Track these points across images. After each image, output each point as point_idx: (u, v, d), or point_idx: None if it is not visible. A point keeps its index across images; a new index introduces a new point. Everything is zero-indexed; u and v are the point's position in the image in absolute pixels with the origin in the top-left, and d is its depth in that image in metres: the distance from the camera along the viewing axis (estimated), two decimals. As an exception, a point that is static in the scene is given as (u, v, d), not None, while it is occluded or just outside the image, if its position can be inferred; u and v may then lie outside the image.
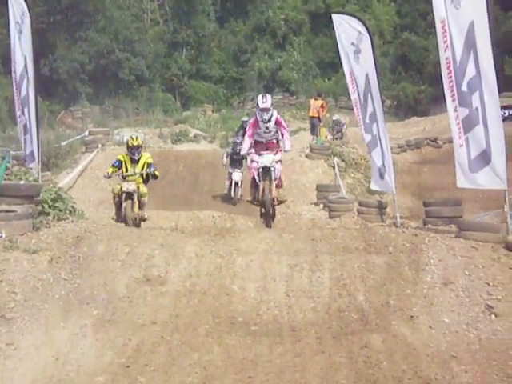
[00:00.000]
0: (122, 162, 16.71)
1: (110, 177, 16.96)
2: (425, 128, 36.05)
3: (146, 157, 16.80)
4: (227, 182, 23.67)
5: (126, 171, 16.62)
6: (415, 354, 10.32)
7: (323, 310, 12.09)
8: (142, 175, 16.70)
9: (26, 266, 12.86)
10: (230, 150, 24.45)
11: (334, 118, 32.89)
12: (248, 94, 51.86)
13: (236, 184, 23.43)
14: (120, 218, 16.66)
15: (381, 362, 10.04)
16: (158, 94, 51.38)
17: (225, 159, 24.25)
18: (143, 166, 16.71)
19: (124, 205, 16.35)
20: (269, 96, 16.15)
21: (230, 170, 23.61)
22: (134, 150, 16.53)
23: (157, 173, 16.71)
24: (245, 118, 26.94)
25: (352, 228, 16.21)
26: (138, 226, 16.27)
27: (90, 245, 13.93)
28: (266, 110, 15.81)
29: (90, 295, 12.29)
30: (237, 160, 23.56)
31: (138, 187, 16.53)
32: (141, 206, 16.71)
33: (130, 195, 16.37)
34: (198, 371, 9.83)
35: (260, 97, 16.09)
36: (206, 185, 24.73)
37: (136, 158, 16.56)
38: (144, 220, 16.78)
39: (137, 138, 16.74)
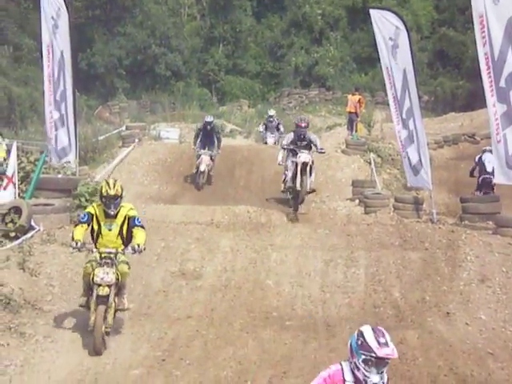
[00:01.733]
0: (92, 215, 11.04)
1: (79, 249, 10.88)
2: (462, 124, 35.64)
3: (126, 209, 11.11)
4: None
5: (99, 231, 11.03)
6: (451, 350, 10.27)
7: (358, 306, 12.08)
8: (122, 237, 11.08)
9: (64, 259, 13.01)
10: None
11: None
12: (284, 90, 51.68)
13: None
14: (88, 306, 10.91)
15: (416, 359, 10.00)
16: (195, 89, 51.43)
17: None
18: (123, 222, 11.05)
19: (93, 309, 10.53)
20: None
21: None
22: (109, 202, 10.92)
23: (143, 234, 10.95)
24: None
25: (388, 224, 16.15)
26: (107, 334, 10.63)
27: (127, 239, 14.01)
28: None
29: (127, 289, 12.38)
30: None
31: (117, 273, 10.91)
32: (119, 294, 11.12)
33: (103, 299, 10.65)
34: (232, 365, 9.86)
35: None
36: (241, 180, 24.66)
37: (112, 214, 10.96)
38: (124, 310, 11.20)
39: (115, 185, 11.00)
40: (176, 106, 44.93)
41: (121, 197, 10.97)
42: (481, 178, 19.74)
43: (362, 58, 52.83)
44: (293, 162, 18.14)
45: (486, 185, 19.37)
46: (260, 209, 18.75)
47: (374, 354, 5.93)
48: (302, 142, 18.06)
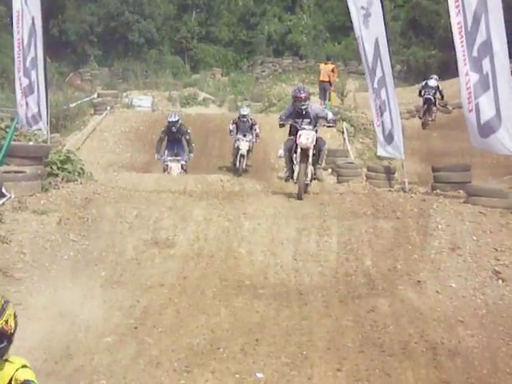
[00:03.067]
0: None
1: None
2: (435, 93, 35.79)
3: (13, 367, 5.57)
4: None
5: None
6: (422, 318, 10.36)
7: (330, 274, 12.14)
8: None
9: (35, 227, 12.93)
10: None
11: None
12: (257, 58, 51.55)
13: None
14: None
15: (387, 326, 10.08)
16: (168, 57, 51.16)
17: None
18: None
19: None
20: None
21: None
22: None
23: None
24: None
25: (360, 193, 16.21)
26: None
27: (99, 207, 13.98)
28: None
29: (98, 257, 12.37)
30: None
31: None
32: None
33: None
34: (205, 333, 9.88)
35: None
36: (214, 149, 24.71)
37: None
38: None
39: None
40: (149, 74, 44.73)
41: None
42: (424, 97, 29.10)
43: (335, 26, 52.76)
44: (291, 141, 15.67)
45: (427, 101, 29.14)
46: (233, 178, 18.77)
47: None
48: (303, 119, 15.48)
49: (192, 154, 20.59)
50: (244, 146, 22.82)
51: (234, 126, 23.63)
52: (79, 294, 10.97)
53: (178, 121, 20.43)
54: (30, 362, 8.67)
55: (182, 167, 20.35)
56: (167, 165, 20.33)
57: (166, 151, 20.60)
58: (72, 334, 9.70)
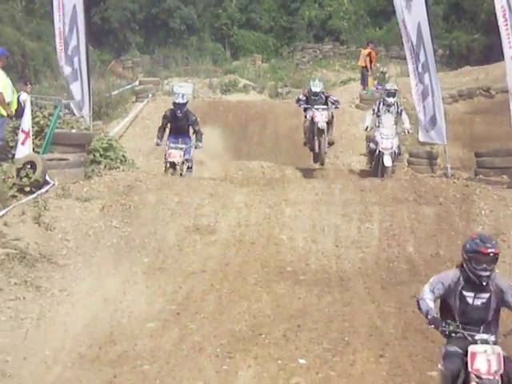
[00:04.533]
0: None
1: None
2: (477, 77, 35.32)
3: None
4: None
5: None
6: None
7: (372, 260, 12.11)
8: None
9: (78, 214, 13.07)
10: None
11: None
12: (298, 44, 51.31)
13: None
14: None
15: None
16: (208, 44, 51.14)
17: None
18: None
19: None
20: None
21: None
22: None
23: None
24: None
25: (402, 179, 16.13)
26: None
27: (141, 194, 14.07)
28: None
29: (140, 243, 12.48)
30: None
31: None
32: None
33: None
34: (247, 319, 9.93)
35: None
36: (255, 135, 24.67)
37: None
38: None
39: None
40: (189, 61, 44.69)
41: None
42: None
43: (376, 11, 52.25)
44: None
45: None
46: (274, 164, 18.75)
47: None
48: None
49: (201, 144, 16.73)
50: (321, 118, 17.76)
51: (305, 98, 18.39)
52: (122, 280, 11.10)
53: (185, 104, 16.65)
54: (75, 347, 8.87)
55: (185, 162, 16.58)
56: (169, 152, 16.58)
57: (168, 142, 16.78)
58: (115, 320, 9.81)
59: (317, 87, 18.17)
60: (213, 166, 18.50)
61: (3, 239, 11.63)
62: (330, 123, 18.04)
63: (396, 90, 18.09)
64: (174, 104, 16.71)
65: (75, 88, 18.66)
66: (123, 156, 16.12)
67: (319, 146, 17.75)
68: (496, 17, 14.28)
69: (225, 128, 24.48)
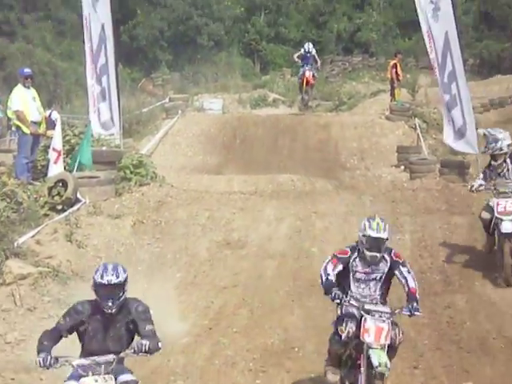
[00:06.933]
0: None
1: None
2: (508, 86, 35.10)
3: None
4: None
5: None
6: (499, 313, 10.19)
7: (404, 271, 12.01)
8: None
9: (110, 231, 13.16)
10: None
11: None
12: (327, 57, 51.25)
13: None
14: None
15: (464, 323, 9.95)
16: (237, 59, 51.23)
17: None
18: None
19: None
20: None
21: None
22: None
23: None
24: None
25: (433, 189, 16.01)
26: None
27: (171, 210, 14.13)
28: None
29: (172, 259, 12.52)
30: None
31: None
32: None
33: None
34: (279, 333, 9.92)
35: None
36: (284, 149, 24.62)
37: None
38: None
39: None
40: (218, 77, 44.87)
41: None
42: None
43: (405, 22, 52.00)
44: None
45: None
46: (303, 177, 18.72)
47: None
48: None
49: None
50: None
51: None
52: (155, 296, 11.10)
53: (123, 285, 7.37)
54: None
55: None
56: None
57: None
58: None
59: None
60: (242, 180, 18.51)
61: (36, 258, 11.74)
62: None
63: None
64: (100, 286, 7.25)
65: (103, 107, 18.78)
66: (154, 172, 16.19)
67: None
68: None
69: (255, 142, 24.51)
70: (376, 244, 7.85)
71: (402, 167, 21.03)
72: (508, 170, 11.68)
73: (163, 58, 48.95)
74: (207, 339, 9.83)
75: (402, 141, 23.61)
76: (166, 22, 49.08)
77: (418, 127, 24.27)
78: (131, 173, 15.51)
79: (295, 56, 27.96)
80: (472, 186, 12.02)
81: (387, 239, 7.94)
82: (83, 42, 19.47)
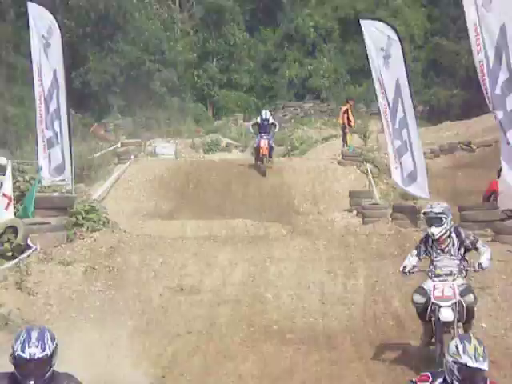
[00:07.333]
0: None
1: None
2: (458, 132, 35.69)
3: None
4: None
5: None
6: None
7: (359, 317, 12.00)
8: None
9: (61, 278, 12.95)
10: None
11: None
12: (279, 103, 51.78)
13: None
14: None
15: (418, 369, 9.90)
16: (190, 105, 51.47)
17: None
18: None
19: None
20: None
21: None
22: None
23: None
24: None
25: (386, 234, 16.08)
26: None
27: (124, 255, 13.98)
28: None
29: (124, 306, 12.33)
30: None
31: None
32: None
33: None
34: (233, 380, 9.79)
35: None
36: (238, 193, 24.66)
37: None
38: None
39: None
40: (171, 122, 44.92)
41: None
42: None
43: (356, 69, 52.82)
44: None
45: None
46: (257, 222, 18.71)
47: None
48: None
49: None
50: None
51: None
52: (106, 344, 10.91)
53: (46, 359, 5.95)
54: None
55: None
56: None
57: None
58: (100, 385, 9.62)
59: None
60: (196, 225, 18.43)
61: (-15, 306, 11.49)
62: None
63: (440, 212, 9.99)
64: (19, 360, 5.79)
65: (54, 152, 18.61)
66: (106, 218, 16.05)
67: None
68: (474, 71, 14.44)
69: (208, 187, 24.49)
70: (472, 376, 5.89)
71: (355, 212, 21.17)
72: (453, 245, 9.94)
73: (115, 102, 48.86)
74: (160, 388, 9.66)
75: (354, 186, 23.80)
76: (118, 68, 49.07)
77: (369, 172, 24.52)
78: (83, 218, 15.36)
79: (250, 125, 26.91)
80: (405, 268, 10.16)
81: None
82: (33, 87, 19.35)
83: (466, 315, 9.48)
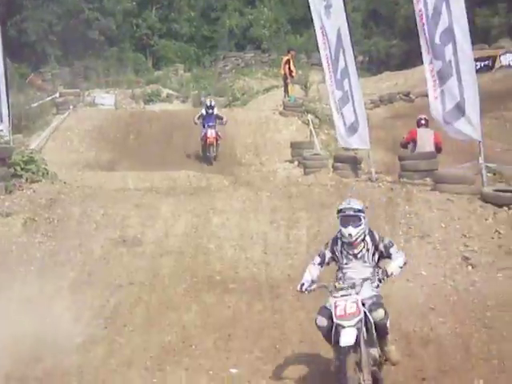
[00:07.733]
0: None
1: None
2: (397, 83, 35.93)
3: None
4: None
5: None
6: (393, 307, 10.29)
7: (301, 267, 12.01)
8: None
9: (0, 230, 12.75)
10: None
11: None
12: (219, 53, 51.45)
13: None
14: None
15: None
16: (129, 54, 50.84)
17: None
18: None
19: None
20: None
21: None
22: None
23: None
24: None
25: (327, 184, 16.16)
26: None
27: (64, 207, 13.81)
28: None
29: (65, 257, 12.21)
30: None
31: None
32: None
33: None
34: (176, 330, 9.80)
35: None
36: (179, 144, 24.53)
37: None
38: None
39: None
40: (110, 72, 44.33)
41: None
42: None
43: (296, 19, 52.68)
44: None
45: None
46: (200, 173, 18.67)
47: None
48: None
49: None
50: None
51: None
52: (48, 295, 10.82)
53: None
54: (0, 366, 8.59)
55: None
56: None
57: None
58: (41, 337, 9.55)
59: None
60: (137, 177, 18.29)
61: None
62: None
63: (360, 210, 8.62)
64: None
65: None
66: (45, 169, 15.82)
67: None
68: (413, 22, 14.46)
69: (149, 138, 24.30)
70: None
71: (296, 162, 21.24)
72: (368, 249, 8.49)
73: (52, 52, 48.00)
74: (102, 339, 9.62)
75: (296, 136, 23.86)
76: (55, 16, 48.07)
77: (310, 123, 24.57)
78: (22, 169, 15.11)
79: (195, 118, 23.50)
80: (302, 285, 8.55)
81: None
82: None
83: (378, 333, 8.05)
